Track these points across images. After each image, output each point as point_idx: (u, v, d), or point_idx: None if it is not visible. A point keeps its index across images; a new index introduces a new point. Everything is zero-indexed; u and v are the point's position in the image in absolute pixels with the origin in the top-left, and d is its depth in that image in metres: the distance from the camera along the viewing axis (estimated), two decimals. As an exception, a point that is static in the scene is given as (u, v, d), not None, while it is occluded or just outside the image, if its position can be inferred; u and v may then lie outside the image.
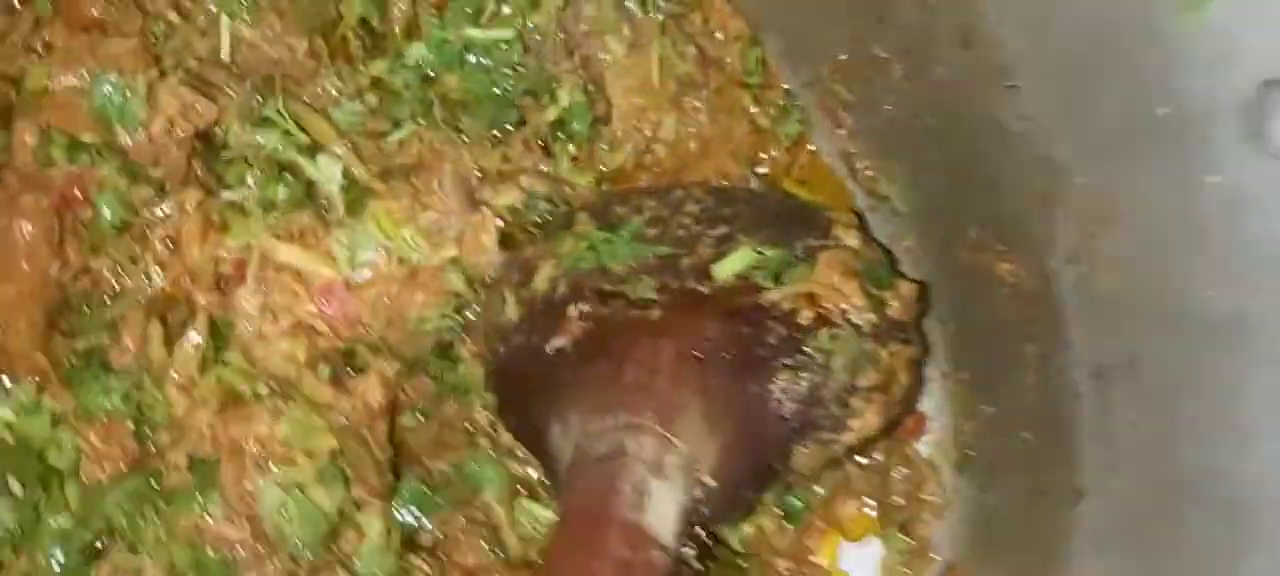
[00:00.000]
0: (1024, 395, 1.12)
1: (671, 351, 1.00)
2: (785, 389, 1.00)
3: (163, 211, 1.13)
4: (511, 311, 1.10)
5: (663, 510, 0.93)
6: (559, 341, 1.05)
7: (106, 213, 1.13)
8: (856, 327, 1.00)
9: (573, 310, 1.05)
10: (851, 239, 1.06)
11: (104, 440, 1.09)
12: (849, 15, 1.18)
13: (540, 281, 1.10)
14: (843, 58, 1.26)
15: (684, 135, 1.24)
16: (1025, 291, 1.12)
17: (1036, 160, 1.02)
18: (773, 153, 1.29)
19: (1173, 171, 0.88)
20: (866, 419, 1.03)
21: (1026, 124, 1.02)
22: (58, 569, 1.07)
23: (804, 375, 0.99)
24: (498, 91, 1.20)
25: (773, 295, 1.02)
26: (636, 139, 1.23)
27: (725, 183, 1.24)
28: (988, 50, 1.03)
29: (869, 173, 1.27)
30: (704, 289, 1.03)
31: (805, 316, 1.00)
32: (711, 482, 0.97)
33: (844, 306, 1.01)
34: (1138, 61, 0.89)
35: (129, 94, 1.12)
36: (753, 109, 1.28)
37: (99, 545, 1.09)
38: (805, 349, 1.00)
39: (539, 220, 1.17)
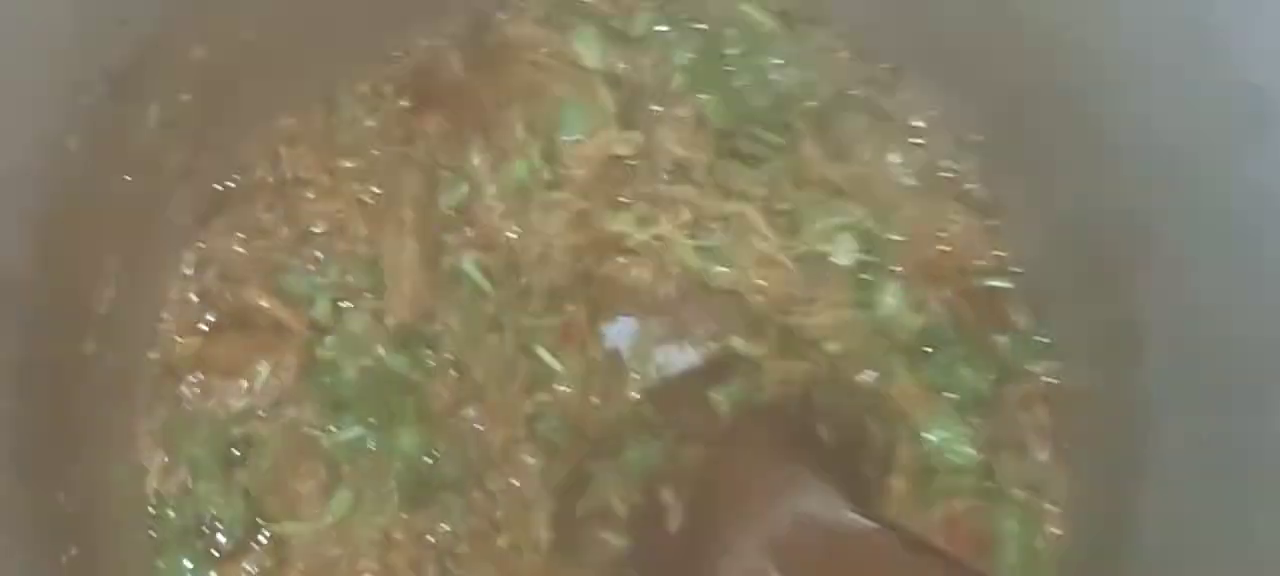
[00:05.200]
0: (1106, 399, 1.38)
1: (763, 443, 1.23)
2: (829, 427, 1.25)
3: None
4: (620, 541, 1.28)
5: None
6: (676, 520, 1.21)
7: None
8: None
9: (666, 494, 1.23)
10: None
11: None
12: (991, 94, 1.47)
13: (617, 505, 1.29)
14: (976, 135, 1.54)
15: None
16: (1114, 320, 1.35)
17: (1131, 222, 1.28)
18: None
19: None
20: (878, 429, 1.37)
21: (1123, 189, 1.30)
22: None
23: (832, 414, 1.28)
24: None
25: (766, 394, 1.31)
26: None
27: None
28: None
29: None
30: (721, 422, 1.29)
31: (795, 390, 1.32)
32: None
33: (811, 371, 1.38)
34: None
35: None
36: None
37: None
38: (814, 401, 1.30)
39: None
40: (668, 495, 1.22)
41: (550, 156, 1.45)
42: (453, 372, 1.43)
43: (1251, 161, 1.03)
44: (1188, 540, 1.21)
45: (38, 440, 1.09)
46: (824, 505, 1.08)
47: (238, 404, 1.34)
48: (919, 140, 1.57)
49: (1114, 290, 1.35)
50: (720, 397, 1.29)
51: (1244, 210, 1.06)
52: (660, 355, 1.50)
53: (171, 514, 1.34)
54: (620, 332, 1.52)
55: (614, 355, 1.51)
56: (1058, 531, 1.43)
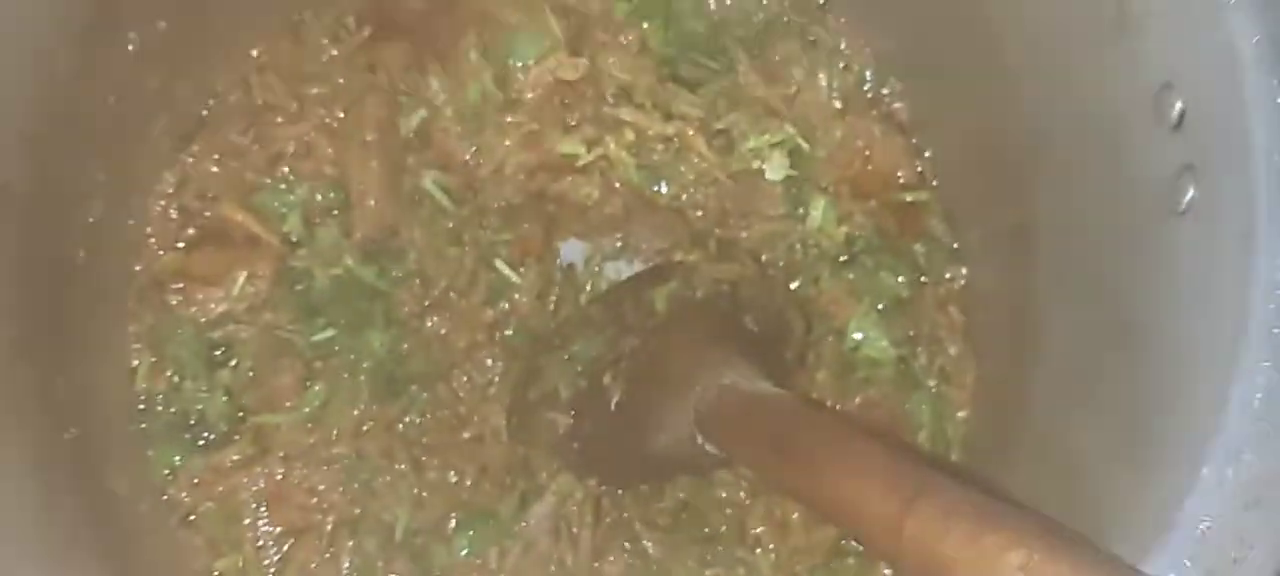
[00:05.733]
0: (1011, 286, 1.54)
1: (695, 332, 1.37)
2: (755, 319, 1.41)
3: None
4: (564, 420, 1.42)
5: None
6: (616, 397, 1.36)
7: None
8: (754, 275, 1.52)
9: (607, 378, 1.38)
10: None
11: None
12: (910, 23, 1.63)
13: (562, 390, 1.42)
14: (897, 59, 1.70)
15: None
16: (1016, 224, 1.51)
17: (1029, 134, 1.45)
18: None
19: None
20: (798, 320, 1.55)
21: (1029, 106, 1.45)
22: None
23: (757, 307, 1.43)
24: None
25: (699, 292, 1.44)
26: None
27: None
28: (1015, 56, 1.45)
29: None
30: (658, 317, 1.42)
31: (725, 287, 1.46)
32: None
33: (740, 271, 1.52)
34: None
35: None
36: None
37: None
38: (742, 295, 1.44)
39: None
40: (608, 378, 1.36)
41: (502, 81, 1.57)
42: (417, 282, 1.56)
43: (1109, 69, 1.17)
44: (1074, 416, 1.37)
45: (37, 331, 1.21)
46: (745, 379, 1.23)
47: (218, 309, 1.47)
48: (846, 65, 1.71)
49: (1016, 197, 1.50)
50: (658, 296, 1.43)
51: (1107, 116, 1.20)
52: (611, 270, 1.64)
53: (160, 408, 1.47)
54: (574, 250, 1.66)
55: (569, 269, 1.65)
56: (964, 414, 1.59)
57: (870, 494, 0.96)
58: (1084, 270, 1.34)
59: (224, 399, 1.47)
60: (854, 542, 1.53)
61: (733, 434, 1.20)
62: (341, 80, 1.60)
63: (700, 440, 1.27)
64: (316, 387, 1.48)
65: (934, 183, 1.68)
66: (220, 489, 1.45)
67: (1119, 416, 1.23)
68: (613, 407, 1.35)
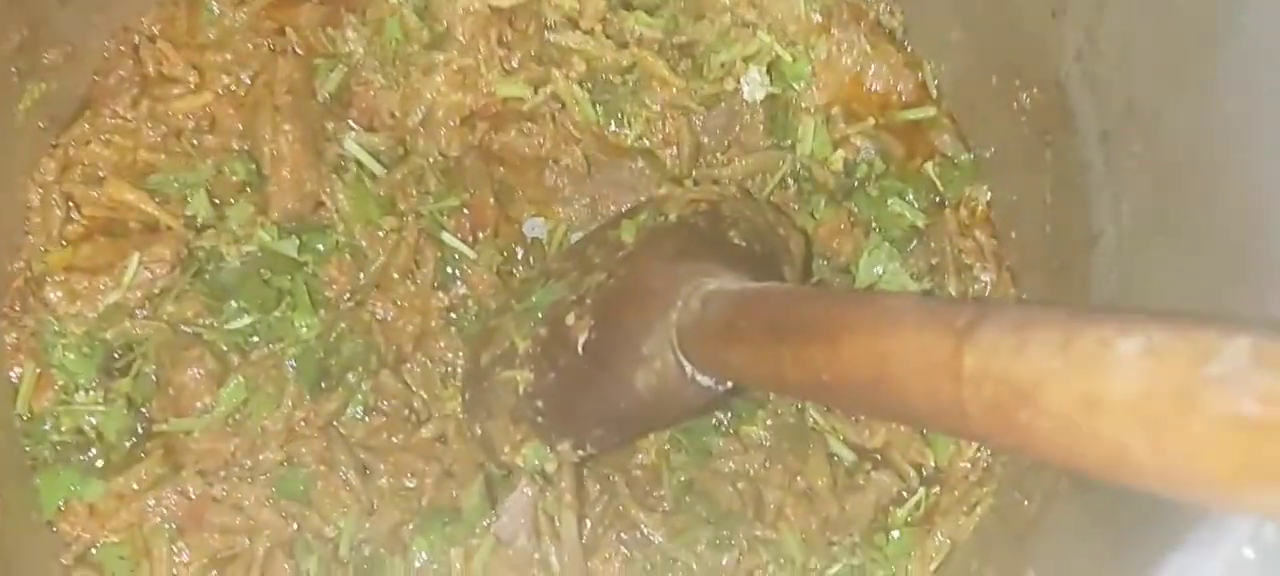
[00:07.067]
0: (1043, 192, 1.30)
1: (669, 250, 1.13)
2: (741, 234, 1.16)
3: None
4: (523, 376, 1.18)
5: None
6: (582, 337, 1.11)
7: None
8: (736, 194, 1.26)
9: (569, 318, 1.14)
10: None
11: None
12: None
13: (519, 342, 1.19)
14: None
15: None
16: (1040, 107, 1.29)
17: None
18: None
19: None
20: (794, 236, 1.26)
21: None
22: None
23: (742, 222, 1.18)
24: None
25: (672, 216, 1.20)
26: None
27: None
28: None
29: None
30: (626, 249, 1.18)
31: (702, 206, 1.21)
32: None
33: (719, 191, 1.26)
34: None
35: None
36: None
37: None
38: (723, 212, 1.19)
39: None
40: (571, 318, 1.12)
41: (425, 13, 1.36)
42: (347, 257, 1.32)
43: None
44: (1137, 291, 1.13)
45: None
46: (733, 282, 0.99)
47: (108, 299, 1.23)
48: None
49: (1036, 71, 1.27)
50: (625, 229, 1.20)
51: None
52: (578, 238, 1.41)
53: (47, 429, 1.22)
54: (536, 227, 1.44)
55: (535, 244, 1.42)
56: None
57: (909, 341, 0.72)
58: (1139, 136, 1.11)
59: (124, 410, 1.23)
60: (900, 442, 1.31)
61: (723, 340, 0.95)
62: (249, 47, 1.39)
63: (687, 369, 1.02)
64: (233, 385, 1.24)
65: (938, 94, 1.47)
66: (124, 517, 1.20)
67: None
68: (579, 350, 1.11)
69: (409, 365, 1.33)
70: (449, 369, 1.35)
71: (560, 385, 1.12)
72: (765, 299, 0.92)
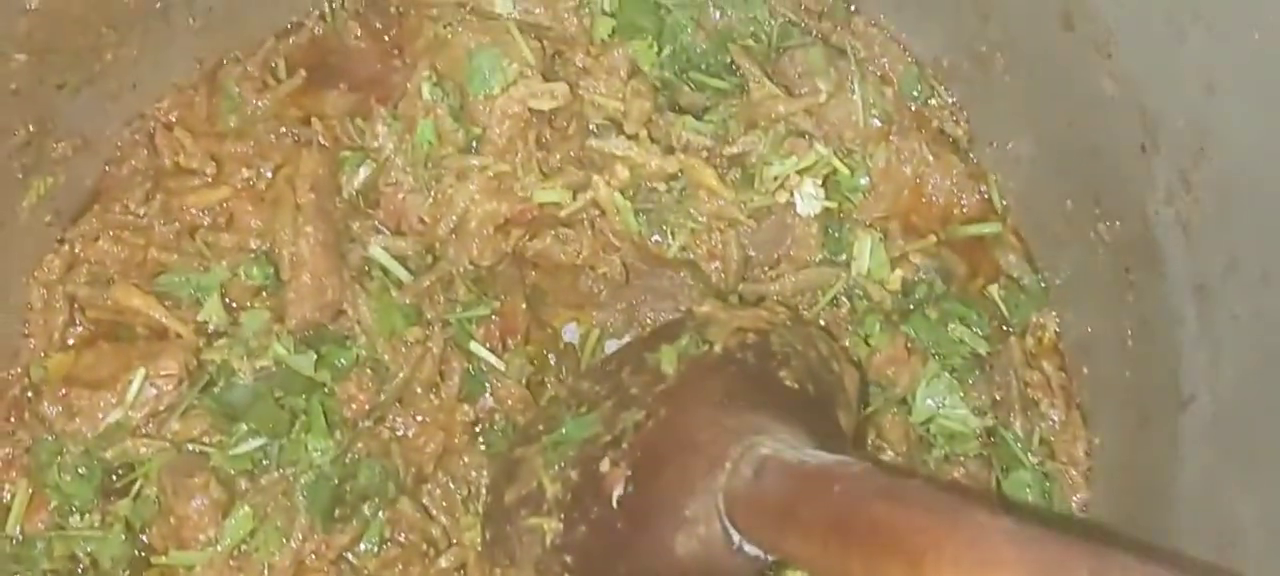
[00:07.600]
0: (1123, 333, 1.22)
1: (715, 394, 1.03)
2: (793, 374, 1.06)
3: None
4: (551, 525, 1.07)
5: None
6: (618, 491, 1.01)
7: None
8: (786, 321, 1.14)
9: (604, 464, 1.03)
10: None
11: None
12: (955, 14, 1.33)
13: (547, 484, 1.09)
14: (944, 63, 1.40)
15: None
16: (1122, 241, 1.21)
17: (1132, 116, 1.12)
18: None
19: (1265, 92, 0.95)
20: (850, 372, 1.14)
21: (1121, 86, 1.13)
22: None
23: (793, 358, 1.07)
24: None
25: (717, 347, 1.09)
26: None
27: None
28: (1087, 25, 1.14)
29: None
30: (667, 383, 1.07)
31: (750, 337, 1.09)
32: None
33: (768, 317, 1.13)
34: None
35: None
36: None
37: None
38: (772, 346, 1.08)
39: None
40: (605, 464, 1.02)
41: (461, 115, 1.27)
42: (367, 373, 1.23)
43: None
44: (1232, 484, 1.02)
45: None
46: (788, 447, 0.89)
47: (109, 418, 1.15)
48: (882, 74, 1.41)
49: (1119, 202, 1.17)
50: (664, 357, 1.10)
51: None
52: (613, 348, 1.32)
53: (39, 555, 1.14)
54: (570, 332, 1.34)
55: (567, 350, 1.33)
56: (1082, 496, 1.24)
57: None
58: (1243, 299, 1.01)
59: (122, 536, 1.14)
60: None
61: (780, 525, 0.85)
62: (270, 138, 1.31)
63: (736, 539, 0.92)
64: (240, 514, 1.14)
65: (1004, 208, 1.37)
66: (116, 660, 1.11)
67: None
68: (614, 503, 1.00)
69: (429, 486, 1.24)
70: (472, 489, 1.26)
71: (591, 541, 1.02)
72: (829, 482, 0.82)
